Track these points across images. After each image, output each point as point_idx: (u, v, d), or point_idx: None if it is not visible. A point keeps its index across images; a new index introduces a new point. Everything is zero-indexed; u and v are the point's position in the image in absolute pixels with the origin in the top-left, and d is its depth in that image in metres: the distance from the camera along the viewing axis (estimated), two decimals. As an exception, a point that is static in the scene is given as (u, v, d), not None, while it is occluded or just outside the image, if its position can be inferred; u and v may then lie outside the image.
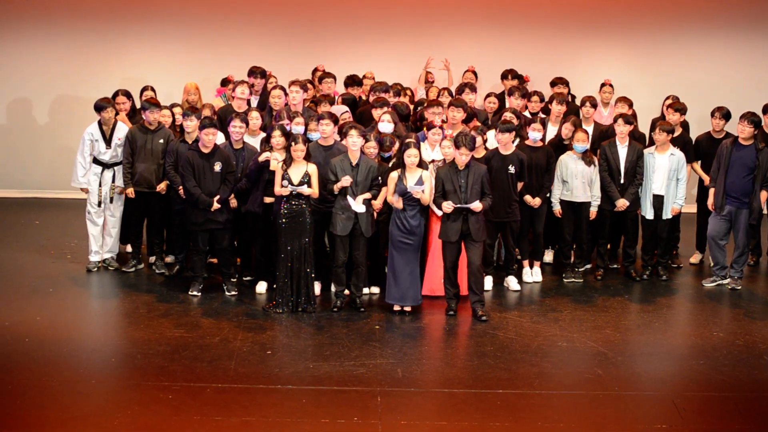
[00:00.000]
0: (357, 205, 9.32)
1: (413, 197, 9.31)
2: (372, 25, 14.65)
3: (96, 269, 10.69)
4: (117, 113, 10.77)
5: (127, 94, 11.20)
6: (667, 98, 11.75)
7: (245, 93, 10.89)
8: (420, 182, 9.28)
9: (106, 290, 10.27)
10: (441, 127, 10.11)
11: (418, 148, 9.46)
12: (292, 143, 9.35)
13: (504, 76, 12.65)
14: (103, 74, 14.32)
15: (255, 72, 11.47)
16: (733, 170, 10.41)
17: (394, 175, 9.39)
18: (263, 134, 10.18)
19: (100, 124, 10.57)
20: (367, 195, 9.43)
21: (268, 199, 9.61)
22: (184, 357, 8.15)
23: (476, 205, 9.26)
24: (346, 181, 9.32)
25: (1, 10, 14.52)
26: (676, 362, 8.57)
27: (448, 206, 9.24)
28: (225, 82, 12.26)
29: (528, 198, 10.38)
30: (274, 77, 11.85)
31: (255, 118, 10.28)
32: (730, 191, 10.43)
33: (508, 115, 10.53)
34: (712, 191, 10.64)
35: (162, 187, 10.40)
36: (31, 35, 14.58)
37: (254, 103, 11.28)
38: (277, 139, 9.61)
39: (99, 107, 10.51)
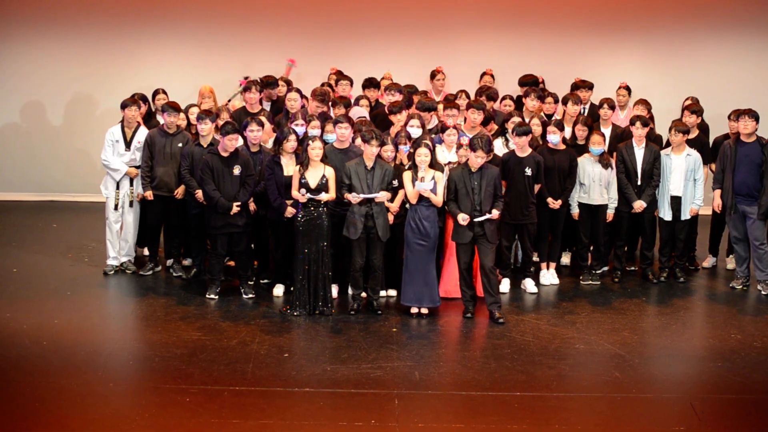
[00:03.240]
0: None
1: (428, 199, 9.34)
2: (388, 28, 14.66)
3: (113, 272, 10.74)
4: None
5: (143, 98, 11.23)
6: (687, 99, 11.75)
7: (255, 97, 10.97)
8: (433, 182, 9.29)
9: (123, 293, 10.31)
10: (455, 127, 10.15)
11: (431, 150, 9.47)
12: (309, 142, 9.38)
13: (522, 83, 12.55)
14: (120, 77, 14.37)
15: (270, 83, 11.50)
16: (741, 169, 10.39)
17: (408, 175, 9.42)
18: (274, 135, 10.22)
19: (122, 126, 10.64)
20: (386, 195, 9.44)
21: (290, 211, 9.63)
22: (201, 360, 8.18)
23: (495, 214, 9.32)
24: (354, 198, 9.35)
25: (18, 13, 14.60)
26: (694, 364, 8.55)
27: (463, 219, 9.28)
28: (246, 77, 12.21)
29: (549, 200, 10.38)
30: (289, 80, 11.90)
31: (264, 122, 10.35)
32: (739, 190, 10.41)
33: (517, 119, 10.53)
34: (717, 193, 10.63)
35: (180, 192, 10.42)
36: (47, 38, 14.65)
37: (267, 108, 11.33)
38: (291, 143, 9.66)
39: (123, 105, 10.62)
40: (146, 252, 11.12)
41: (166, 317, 9.34)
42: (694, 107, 11.16)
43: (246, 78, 11.56)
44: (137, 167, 10.61)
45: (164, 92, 11.47)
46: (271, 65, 12.76)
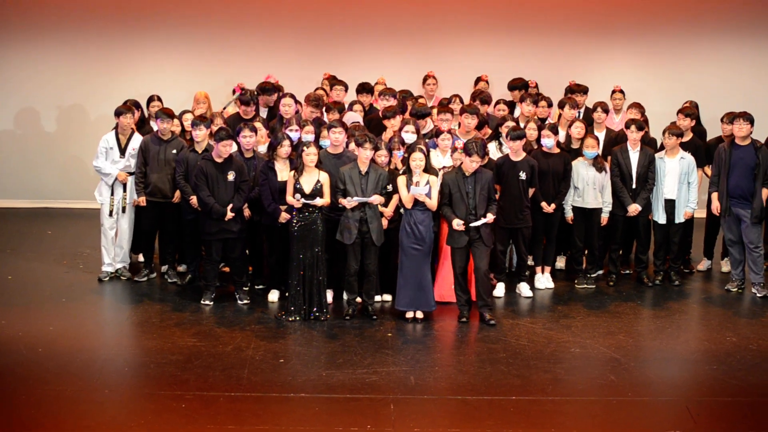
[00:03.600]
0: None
1: (422, 203, 9.34)
2: (382, 32, 14.66)
3: (108, 279, 10.72)
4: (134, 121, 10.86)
5: (136, 105, 11.21)
6: (686, 103, 11.72)
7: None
8: (427, 186, 9.30)
9: (118, 300, 10.29)
10: (449, 132, 10.17)
11: (426, 154, 9.46)
12: (304, 148, 9.39)
13: (512, 87, 12.62)
14: (114, 83, 14.35)
15: (267, 89, 11.49)
16: (735, 172, 10.38)
17: (402, 180, 9.41)
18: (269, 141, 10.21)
19: (116, 133, 10.64)
20: (380, 198, 9.45)
21: (284, 216, 9.62)
22: (196, 366, 8.15)
23: (490, 217, 9.33)
24: (348, 203, 9.35)
25: (12, 21, 14.59)
26: (690, 367, 8.54)
27: (458, 225, 9.28)
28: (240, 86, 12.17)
29: (543, 204, 10.38)
30: (280, 86, 11.89)
31: (259, 128, 10.34)
32: (734, 193, 10.40)
33: (511, 123, 10.54)
34: (714, 196, 10.62)
35: (177, 196, 10.40)
36: (42, 45, 14.63)
37: (264, 115, 11.32)
38: (285, 148, 9.67)
39: (117, 113, 10.60)
40: (141, 258, 11.12)
41: (162, 323, 9.32)
42: (687, 110, 11.15)
43: (242, 88, 11.55)
44: (132, 173, 10.59)
45: (159, 99, 11.45)
46: (265, 71, 12.72)
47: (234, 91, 11.85)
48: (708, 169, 11.07)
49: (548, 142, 10.37)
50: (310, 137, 10.01)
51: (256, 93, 11.26)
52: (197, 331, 9.11)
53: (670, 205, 10.69)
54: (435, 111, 10.90)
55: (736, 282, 10.68)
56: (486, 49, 14.48)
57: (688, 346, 9.13)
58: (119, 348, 8.80)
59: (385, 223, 9.62)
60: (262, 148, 10.33)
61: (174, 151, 10.40)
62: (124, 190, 10.64)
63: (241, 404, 7.41)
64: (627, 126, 10.70)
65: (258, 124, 10.41)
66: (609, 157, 10.77)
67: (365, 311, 9.66)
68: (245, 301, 10.00)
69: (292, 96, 10.91)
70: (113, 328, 9.53)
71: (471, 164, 9.25)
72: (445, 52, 14.44)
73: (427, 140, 10.27)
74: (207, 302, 9.93)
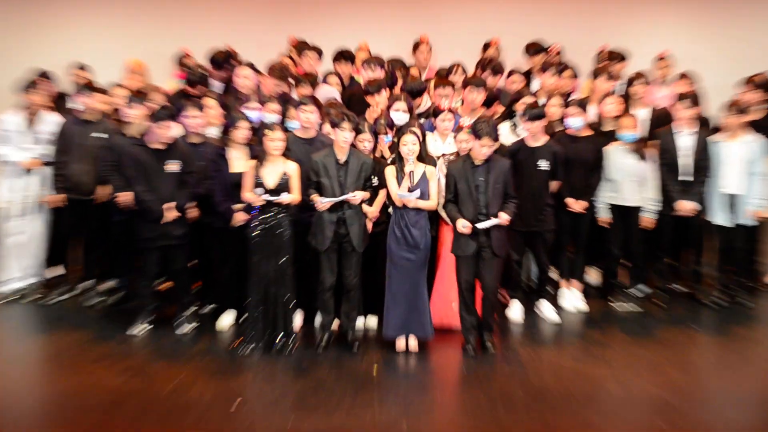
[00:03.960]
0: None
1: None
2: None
3: (14, 299, 10.69)
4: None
5: (48, 77, 11.24)
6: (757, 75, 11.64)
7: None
8: (423, 179, 9.16)
9: (25, 326, 10.27)
10: (451, 110, 10.08)
11: (420, 138, 9.27)
12: (266, 131, 9.25)
13: (530, 53, 12.55)
14: (25, 50, 14.31)
15: (217, 61, 11.41)
16: None
17: (391, 170, 9.28)
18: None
19: (24, 113, 10.66)
20: (362, 194, 9.29)
21: (240, 217, 9.46)
22: (126, 411, 7.89)
23: (504, 218, 9.12)
24: (320, 204, 9.18)
25: None
26: (759, 411, 8.32)
27: (463, 227, 9.06)
28: (182, 63, 11.99)
29: (570, 201, 10.35)
30: (235, 52, 11.91)
31: (211, 106, 10.30)
32: None
33: (529, 100, 10.50)
34: None
35: (106, 192, 10.27)
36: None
37: (218, 89, 11.37)
38: (242, 131, 9.58)
39: (24, 87, 10.68)
40: (56, 272, 11.11)
41: (82, 356, 9.17)
42: (757, 80, 11.07)
43: (188, 69, 11.32)
44: (49, 164, 10.57)
45: (84, 68, 11.39)
46: (216, 34, 12.68)
47: (175, 77, 11.62)
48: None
49: (575, 122, 10.37)
50: (274, 117, 10.01)
51: (206, 72, 11.17)
52: (127, 366, 8.93)
53: (732, 202, 10.58)
54: (432, 85, 10.71)
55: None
56: (496, 5, 14.32)
57: (757, 383, 8.92)
58: (27, 389, 8.61)
59: (369, 224, 9.46)
60: (213, 131, 10.22)
61: (100, 135, 10.38)
62: (37, 185, 10.65)
63: (183, 461, 7.23)
64: (678, 100, 10.59)
65: (209, 101, 10.39)
66: (653, 142, 10.56)
67: (344, 338, 9.50)
68: (190, 327, 9.84)
69: (251, 66, 10.96)
70: (18, 363, 9.30)
71: (481, 150, 9.09)
72: (445, 10, 14.38)
73: (422, 121, 10.19)
74: (140, 329, 9.78)
